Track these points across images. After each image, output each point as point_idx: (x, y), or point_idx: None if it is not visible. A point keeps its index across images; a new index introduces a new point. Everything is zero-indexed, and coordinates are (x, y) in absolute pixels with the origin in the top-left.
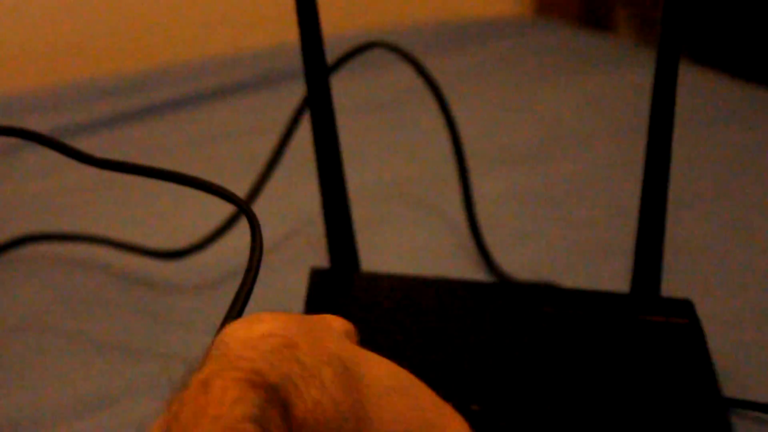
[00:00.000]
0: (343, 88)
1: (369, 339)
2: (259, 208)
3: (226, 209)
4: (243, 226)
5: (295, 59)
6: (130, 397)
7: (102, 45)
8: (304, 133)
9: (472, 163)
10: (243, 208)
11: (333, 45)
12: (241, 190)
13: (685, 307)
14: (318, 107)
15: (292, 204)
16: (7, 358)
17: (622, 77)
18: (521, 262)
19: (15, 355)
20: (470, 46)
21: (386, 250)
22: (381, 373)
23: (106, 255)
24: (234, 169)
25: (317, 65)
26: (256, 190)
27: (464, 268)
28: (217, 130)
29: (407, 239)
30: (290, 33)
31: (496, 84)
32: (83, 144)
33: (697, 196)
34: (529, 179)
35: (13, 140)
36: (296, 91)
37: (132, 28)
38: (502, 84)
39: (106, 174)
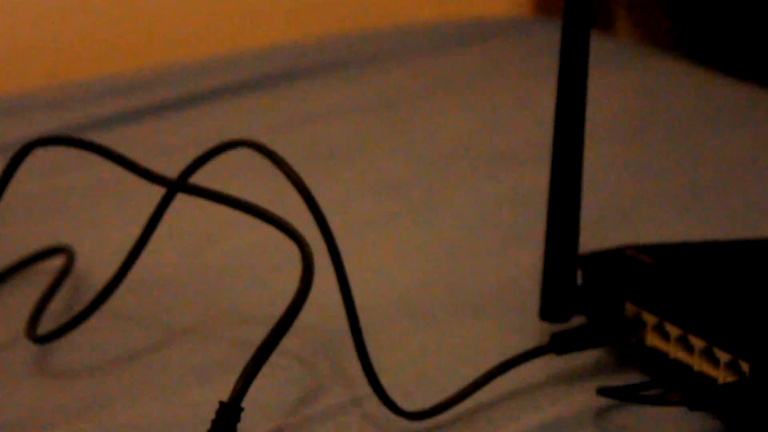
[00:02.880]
0: (342, 88)
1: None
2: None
3: None
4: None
5: (295, 59)
6: (129, 398)
7: (102, 45)
8: None
9: (472, 163)
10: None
11: (332, 45)
12: (242, 190)
13: None
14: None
15: None
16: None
17: (622, 77)
18: (520, 264)
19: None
20: (470, 46)
21: (387, 249)
22: None
23: None
24: (234, 170)
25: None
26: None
27: (470, 266)
28: (217, 130)
29: (409, 239)
30: (290, 33)
31: (495, 84)
32: None
33: (697, 197)
34: (529, 180)
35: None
36: (296, 92)
37: (132, 28)
38: (502, 84)
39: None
